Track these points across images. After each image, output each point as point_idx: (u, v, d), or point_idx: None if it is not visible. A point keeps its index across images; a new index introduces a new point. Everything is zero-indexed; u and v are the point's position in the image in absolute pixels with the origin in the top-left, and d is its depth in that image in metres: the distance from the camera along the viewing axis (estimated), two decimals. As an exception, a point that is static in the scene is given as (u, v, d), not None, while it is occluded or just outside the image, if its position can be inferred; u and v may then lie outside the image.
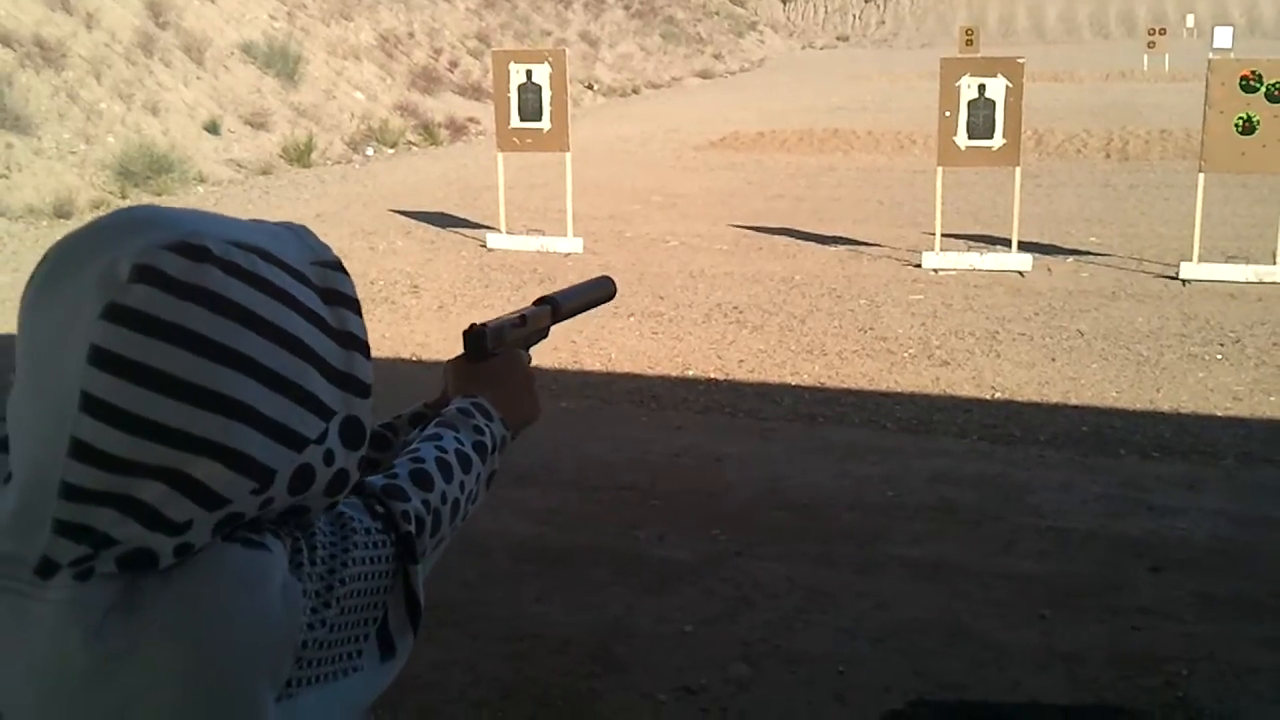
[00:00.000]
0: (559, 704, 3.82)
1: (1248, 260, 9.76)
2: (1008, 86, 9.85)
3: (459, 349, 1.43)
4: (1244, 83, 9.16)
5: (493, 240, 11.32)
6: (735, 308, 8.95)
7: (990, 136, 9.90)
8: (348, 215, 13.01)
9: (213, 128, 16.17)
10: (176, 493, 0.90)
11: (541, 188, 13.84)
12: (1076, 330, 8.18)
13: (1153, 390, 6.92)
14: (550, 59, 11.32)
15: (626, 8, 37.79)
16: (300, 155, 16.65)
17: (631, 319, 8.68)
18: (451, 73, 24.31)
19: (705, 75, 37.33)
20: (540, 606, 4.47)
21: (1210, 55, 12.53)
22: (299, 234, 1.03)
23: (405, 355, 7.79)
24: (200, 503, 0.91)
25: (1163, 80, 30.17)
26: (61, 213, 12.42)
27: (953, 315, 8.66)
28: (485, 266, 10.51)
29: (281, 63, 18.62)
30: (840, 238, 11.50)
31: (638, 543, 5.02)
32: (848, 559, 4.83)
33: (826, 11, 70.98)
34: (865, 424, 6.50)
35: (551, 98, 11.17)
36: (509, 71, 11.22)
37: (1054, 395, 6.88)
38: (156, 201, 13.57)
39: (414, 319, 8.74)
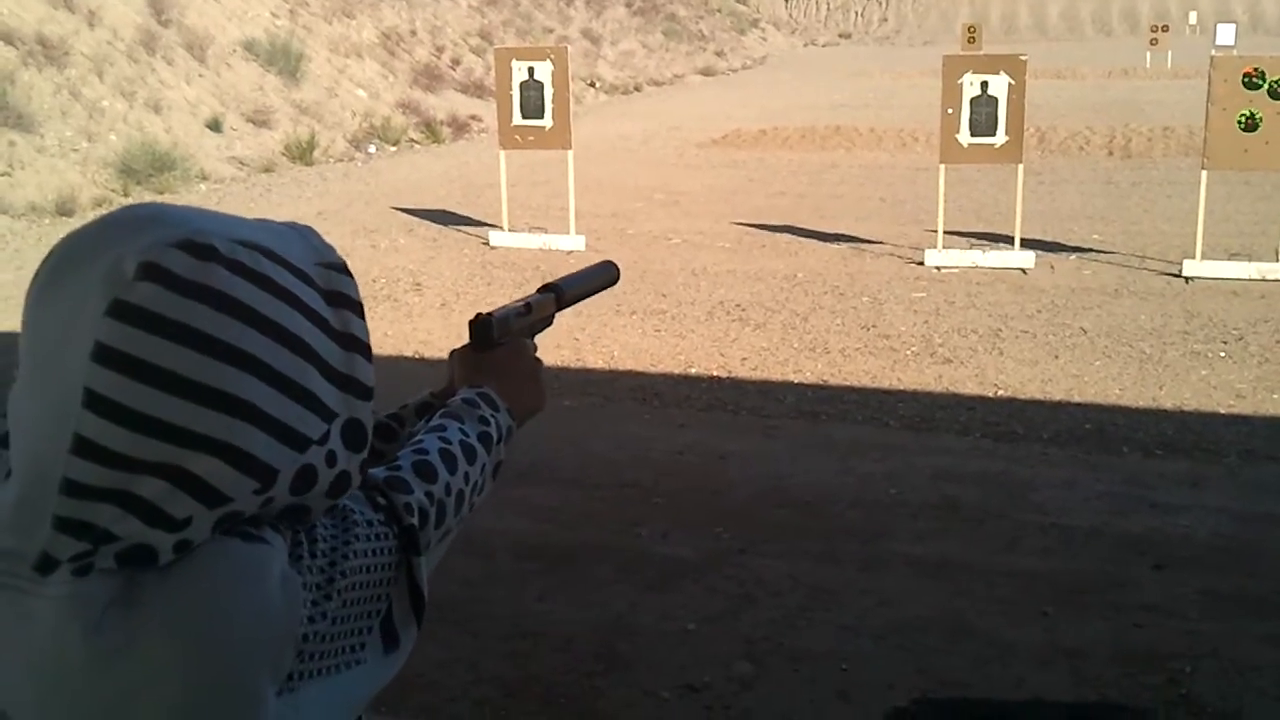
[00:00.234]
0: (562, 702, 3.82)
1: (1250, 257, 9.75)
2: (1010, 83, 9.84)
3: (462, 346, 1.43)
4: (1247, 80, 9.14)
5: (495, 238, 11.32)
6: (738, 305, 8.94)
7: (993, 134, 9.90)
8: (350, 213, 13.01)
9: (215, 125, 16.17)
10: (178, 490, 0.90)
11: (544, 185, 13.84)
12: (1079, 328, 8.17)
13: (1156, 388, 6.92)
14: (552, 56, 11.31)
15: (628, 5, 37.78)
16: (302, 153, 16.65)
17: (634, 316, 8.68)
18: (454, 70, 24.31)
19: (707, 73, 37.32)
20: (543, 604, 4.47)
21: (1213, 52, 12.52)
22: (304, 234, 1.03)
23: (408, 353, 7.79)
24: (201, 500, 0.90)
25: (1165, 77, 30.14)
26: (64, 210, 12.43)
27: (955, 313, 8.65)
28: (487, 264, 10.51)
29: (284, 60, 18.62)
30: (843, 235, 11.49)
31: (640, 540, 5.02)
32: (851, 556, 4.83)
33: (829, 9, 70.95)
34: (868, 421, 6.50)
35: (553, 95, 11.16)
36: (511, 69, 11.21)
37: (1057, 393, 6.88)
38: (159, 199, 13.57)
39: (416, 317, 8.74)
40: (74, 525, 0.89)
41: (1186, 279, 9.39)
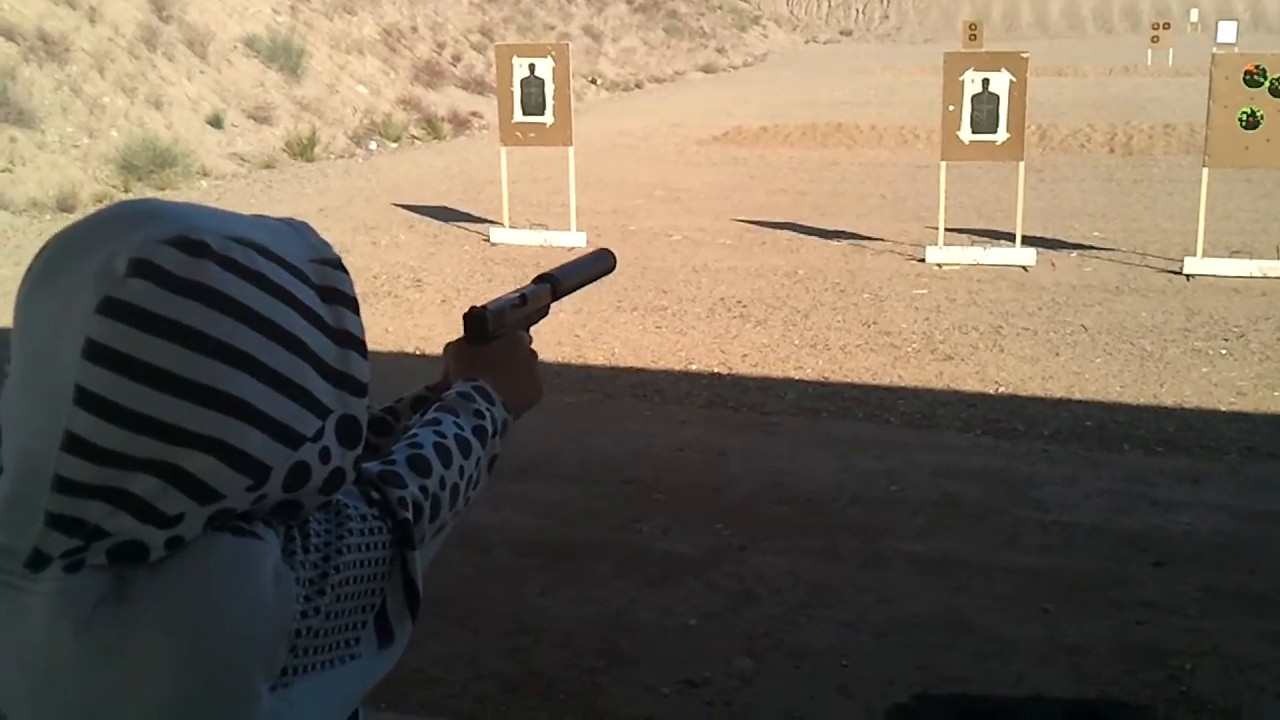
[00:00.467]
0: (562, 698, 3.82)
1: (1251, 255, 9.74)
2: (1011, 81, 9.83)
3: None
4: (1248, 77, 9.14)
5: (495, 234, 11.32)
6: (738, 302, 8.94)
7: (994, 131, 9.89)
8: (350, 209, 13.01)
9: (216, 122, 16.17)
10: (170, 487, 0.89)
11: (544, 182, 13.83)
12: (1080, 325, 8.17)
13: (1156, 385, 6.92)
14: (553, 53, 11.31)
15: (629, 2, 37.76)
16: (303, 149, 16.65)
17: (634, 313, 8.68)
18: (454, 67, 24.30)
19: (708, 70, 37.30)
20: (543, 600, 4.47)
21: (1214, 50, 12.50)
22: (299, 230, 1.02)
23: (409, 349, 7.79)
24: (194, 497, 0.90)
25: (1166, 75, 30.11)
26: (64, 206, 12.43)
27: (956, 310, 8.65)
28: (488, 260, 10.51)
29: (284, 57, 18.61)
30: (843, 232, 11.49)
31: (641, 537, 5.02)
32: (851, 553, 4.83)
33: (830, 6, 70.91)
34: (868, 418, 6.50)
35: (554, 92, 11.16)
36: (512, 65, 11.21)
37: (1058, 390, 6.88)
38: (159, 196, 13.58)
39: (417, 313, 8.74)
40: (66, 522, 0.89)
41: (1187, 276, 9.39)
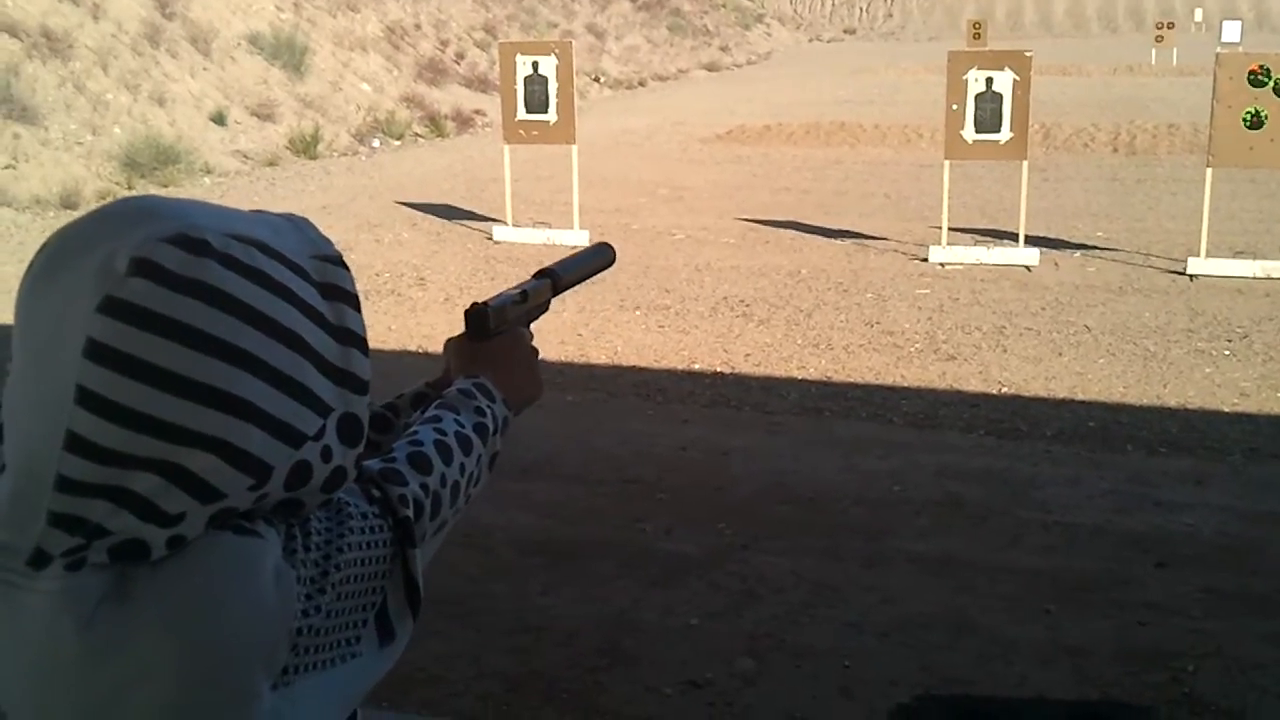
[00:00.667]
0: (564, 697, 3.82)
1: (1255, 256, 9.73)
2: (1015, 80, 9.82)
3: None
4: (1252, 77, 9.12)
5: (499, 232, 11.32)
6: (741, 301, 8.94)
7: (997, 130, 9.88)
8: (354, 207, 13.01)
9: (219, 119, 16.18)
10: (172, 486, 0.89)
11: (547, 180, 13.83)
12: (1083, 325, 8.16)
13: (1160, 386, 6.91)
14: (557, 51, 11.30)
15: (633, 0, 37.74)
16: (306, 147, 16.65)
17: (638, 312, 8.67)
18: (458, 65, 24.29)
19: (712, 68, 37.28)
20: (546, 600, 4.47)
21: (1218, 49, 12.49)
22: (300, 226, 1.02)
23: (411, 347, 7.79)
24: (196, 496, 0.90)
25: (1170, 74, 30.08)
26: (68, 203, 12.43)
27: (959, 309, 8.64)
28: (491, 259, 10.51)
29: (288, 54, 18.61)
30: (847, 231, 11.48)
31: (644, 536, 5.02)
32: (854, 553, 4.82)
33: (834, 4, 70.86)
34: (872, 418, 6.49)
35: (558, 90, 11.16)
36: (515, 63, 11.21)
37: (1061, 390, 6.87)
38: (163, 193, 13.59)
39: (420, 311, 8.74)
40: (67, 520, 0.89)
41: (1191, 277, 9.37)
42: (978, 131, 9.92)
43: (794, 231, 11.56)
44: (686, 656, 4.04)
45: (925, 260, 10.10)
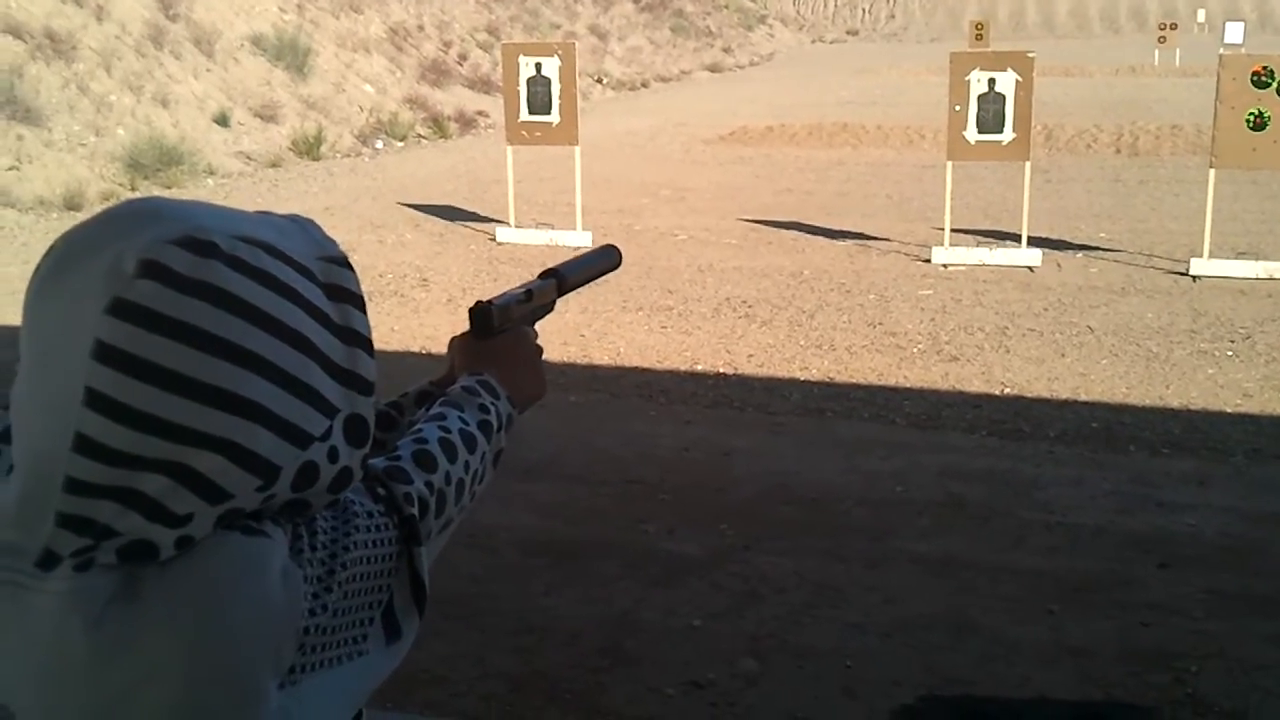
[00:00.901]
0: (567, 698, 3.82)
1: (1258, 256, 9.72)
2: (1018, 81, 9.82)
3: None
4: (1255, 78, 9.12)
5: (501, 234, 11.32)
6: (744, 302, 8.94)
7: (1000, 131, 9.88)
8: (357, 208, 13.02)
9: (222, 120, 16.19)
10: (180, 486, 0.90)
11: (550, 181, 13.83)
12: (1086, 326, 8.16)
13: (1162, 386, 6.91)
14: (559, 52, 11.31)
15: (636, 1, 37.75)
16: (309, 148, 16.66)
17: (640, 313, 8.68)
18: (461, 66, 24.31)
19: (714, 69, 37.29)
20: (549, 600, 4.47)
21: (1221, 50, 12.48)
22: (305, 228, 1.03)
23: (414, 348, 7.80)
24: (204, 497, 0.91)
25: (1173, 75, 30.06)
26: (71, 205, 12.45)
27: (962, 310, 8.64)
28: (494, 260, 10.52)
29: (291, 55, 18.63)
30: (849, 232, 11.48)
31: (646, 537, 5.02)
32: (856, 554, 4.83)
33: (836, 5, 70.86)
34: (874, 419, 6.50)
35: (560, 91, 11.16)
36: (518, 65, 11.21)
37: (1063, 391, 6.87)
38: (166, 194, 13.60)
39: (423, 312, 8.75)
40: (76, 521, 0.89)
41: (1194, 277, 9.37)
42: (980, 132, 9.92)
43: (796, 232, 11.56)
44: (689, 657, 4.04)
45: (928, 261, 10.10)
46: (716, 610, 4.37)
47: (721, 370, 7.39)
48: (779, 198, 13.67)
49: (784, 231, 11.61)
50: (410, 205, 13.14)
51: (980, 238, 10.86)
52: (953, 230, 10.28)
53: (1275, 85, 9.07)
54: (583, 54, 19.16)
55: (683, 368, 7.45)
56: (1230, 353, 7.51)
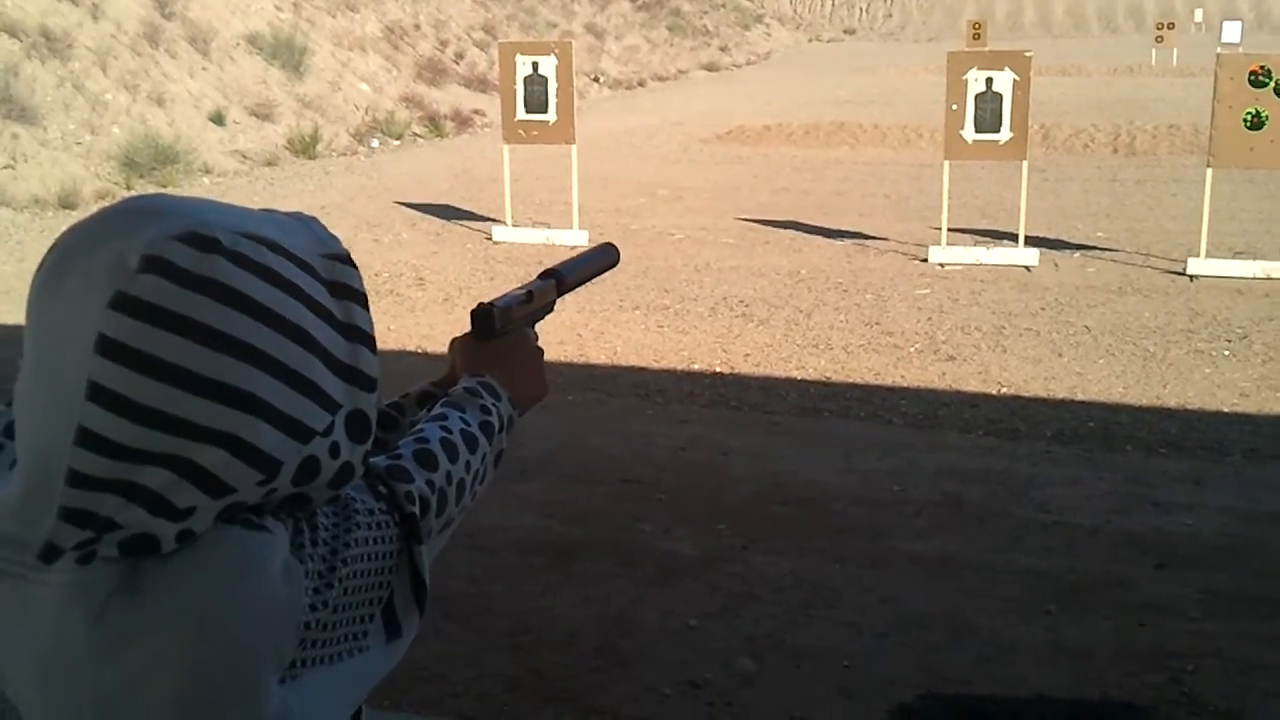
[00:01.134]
0: (563, 697, 3.81)
1: (1255, 256, 9.73)
2: (1015, 80, 9.82)
3: None
4: (1253, 78, 9.12)
5: (498, 233, 11.32)
6: (741, 301, 8.93)
7: (997, 130, 9.88)
8: (353, 207, 13.00)
9: (218, 119, 16.17)
10: (182, 480, 0.90)
11: (547, 180, 13.82)
12: (1083, 326, 8.16)
13: (1159, 386, 6.91)
14: (556, 51, 11.30)
15: (632, 0, 37.74)
16: (305, 147, 16.64)
17: (637, 312, 8.67)
18: (457, 64, 24.29)
19: (711, 68, 37.27)
20: (545, 600, 4.46)
21: (1219, 50, 12.48)
22: (308, 225, 1.03)
23: (411, 347, 7.79)
24: (205, 490, 0.91)
25: (1171, 75, 30.08)
26: (67, 203, 12.43)
27: (959, 310, 8.64)
28: (490, 259, 10.51)
29: (287, 54, 18.61)
30: (846, 232, 11.48)
31: (643, 536, 5.01)
32: (853, 554, 4.82)
33: (833, 4, 70.87)
34: (871, 419, 6.49)
35: (557, 90, 11.16)
36: (515, 63, 11.21)
37: (1060, 391, 6.87)
38: (162, 193, 13.57)
39: (419, 311, 8.74)
40: (78, 515, 0.90)
41: (1191, 277, 9.37)
42: (977, 132, 9.92)
43: (793, 232, 11.56)
44: (686, 657, 4.03)
45: (925, 260, 10.09)
46: (713, 610, 4.37)
47: (718, 370, 7.39)
48: (776, 197, 13.67)
49: (781, 231, 11.61)
50: (407, 204, 13.13)
51: (977, 237, 10.86)
52: (950, 230, 10.28)
53: (1273, 85, 9.07)
54: (579, 53, 19.16)
55: (679, 367, 7.45)
56: (1227, 352, 7.52)
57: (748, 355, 7.65)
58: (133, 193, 13.42)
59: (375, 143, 18.39)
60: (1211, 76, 9.45)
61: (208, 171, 14.87)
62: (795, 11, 67.24)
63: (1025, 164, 10.02)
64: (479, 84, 23.38)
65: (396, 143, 18.79)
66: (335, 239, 1.04)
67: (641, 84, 31.04)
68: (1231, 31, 30.70)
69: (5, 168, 12.68)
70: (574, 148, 11.24)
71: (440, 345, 7.52)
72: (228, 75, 17.42)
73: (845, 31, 66.17)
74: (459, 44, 25.42)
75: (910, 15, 69.58)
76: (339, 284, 1.00)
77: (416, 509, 1.10)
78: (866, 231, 11.47)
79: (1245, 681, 3.86)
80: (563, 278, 1.53)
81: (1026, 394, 6.84)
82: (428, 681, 3.82)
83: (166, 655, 0.89)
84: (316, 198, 13.58)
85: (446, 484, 1.17)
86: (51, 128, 13.70)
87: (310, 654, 0.97)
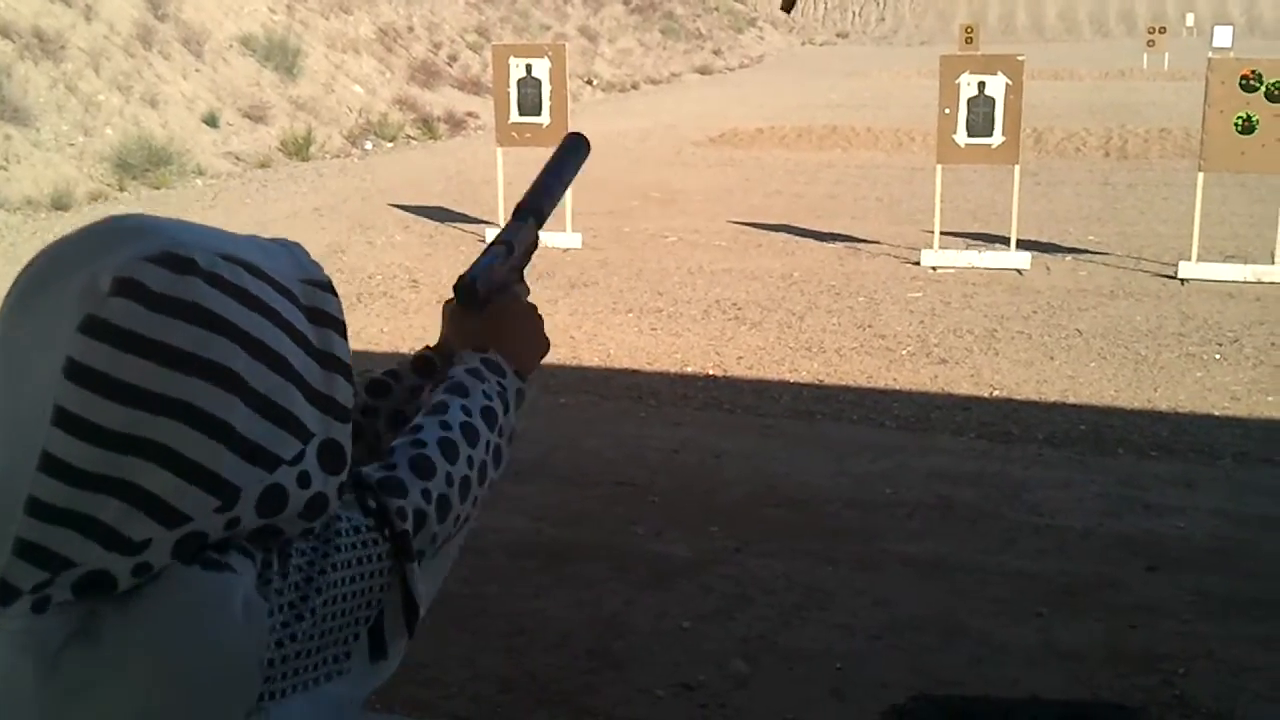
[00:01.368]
0: (556, 699, 3.82)
1: (1246, 260, 9.76)
2: (1007, 84, 9.84)
3: None
4: (1244, 82, 9.16)
5: (491, 235, 11.27)
6: (734, 304, 8.94)
7: (990, 134, 9.90)
8: (346, 209, 12.99)
9: (211, 120, 16.15)
10: (135, 510, 0.87)
11: (540, 183, 13.80)
12: (1075, 329, 8.18)
13: (1151, 389, 6.93)
14: (550, 54, 11.31)
15: (626, 3, 37.76)
16: (299, 149, 16.63)
17: (630, 315, 8.68)
18: (451, 67, 24.29)
19: (704, 71, 37.30)
20: (538, 602, 4.47)
21: (1210, 54, 12.53)
22: (291, 250, 1.01)
23: (404, 349, 7.79)
24: (160, 520, 0.88)
25: (1162, 79, 30.17)
26: (59, 205, 12.41)
27: (951, 313, 8.66)
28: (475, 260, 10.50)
29: (280, 56, 18.60)
30: (839, 235, 11.50)
31: (636, 539, 5.02)
32: (845, 556, 4.83)
33: (826, 8, 70.96)
34: (863, 421, 6.50)
35: (551, 93, 11.16)
36: (509, 66, 11.21)
37: (1052, 394, 6.89)
38: (155, 194, 13.58)
39: (412, 313, 8.74)
40: (33, 550, 0.87)
41: (1182, 281, 9.40)
42: (970, 135, 9.94)
43: (786, 235, 11.57)
44: (678, 658, 4.04)
45: (917, 264, 10.11)
46: (706, 612, 4.38)
47: (711, 372, 7.40)
48: (769, 200, 13.69)
49: (774, 234, 11.62)
50: (400, 206, 13.12)
51: (969, 240, 10.89)
52: (942, 233, 10.30)
53: (1263, 89, 9.11)
54: (573, 56, 19.15)
55: (672, 370, 7.46)
56: (1218, 356, 7.54)
57: (740, 358, 7.66)
58: (126, 194, 13.41)
59: (369, 145, 18.38)
60: (1203, 81, 9.48)
61: (201, 173, 14.86)
62: (788, 15, 67.25)
63: (1017, 168, 10.04)
64: (472, 86, 23.38)
65: (390, 145, 18.78)
66: (317, 266, 1.02)
67: (635, 87, 31.06)
68: (1223, 36, 30.77)
69: (-3, 169, 12.66)
70: (567, 150, 11.23)
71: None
72: (221, 77, 17.41)
73: (838, 35, 66.25)
74: (452, 46, 25.41)
75: (903, 19, 69.68)
76: (318, 311, 0.98)
77: (410, 525, 1.07)
78: (859, 235, 11.49)
79: (1236, 683, 3.87)
80: (540, 209, 1.43)
81: (1018, 397, 6.85)
82: (421, 683, 3.82)
83: (123, 704, 0.87)
84: (310, 200, 13.57)
85: (447, 487, 1.14)
86: (44, 129, 13.67)
87: (279, 685, 0.95)
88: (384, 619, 1.04)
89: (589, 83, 28.82)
